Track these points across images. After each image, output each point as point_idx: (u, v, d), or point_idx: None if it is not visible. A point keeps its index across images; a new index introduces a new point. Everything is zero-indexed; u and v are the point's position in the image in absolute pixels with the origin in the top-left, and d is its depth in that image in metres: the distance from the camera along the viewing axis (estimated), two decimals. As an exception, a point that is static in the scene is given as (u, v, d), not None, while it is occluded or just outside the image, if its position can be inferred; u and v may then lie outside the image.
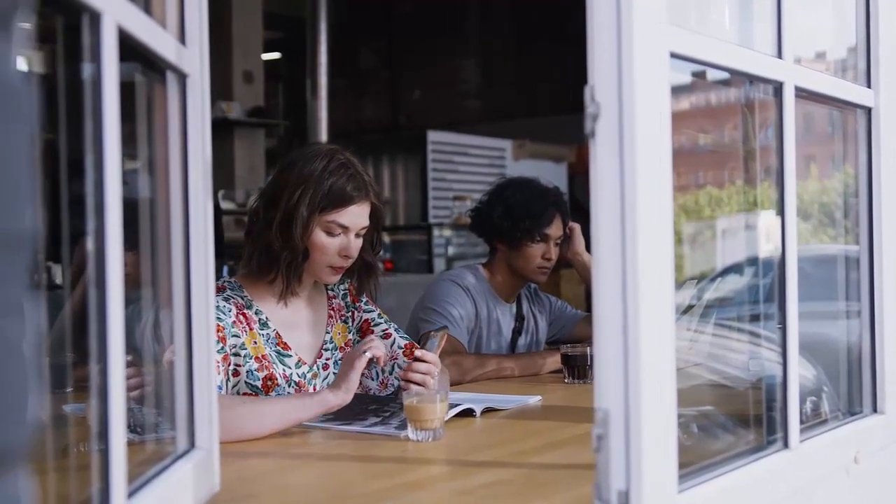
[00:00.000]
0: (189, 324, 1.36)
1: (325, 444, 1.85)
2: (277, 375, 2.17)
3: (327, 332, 2.33)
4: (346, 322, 2.37)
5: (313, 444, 1.86)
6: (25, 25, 0.58)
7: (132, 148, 1.27)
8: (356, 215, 2.19)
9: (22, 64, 0.57)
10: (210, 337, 1.39)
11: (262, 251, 2.18)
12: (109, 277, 1.00)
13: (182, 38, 1.33)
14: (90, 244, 0.99)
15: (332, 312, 2.36)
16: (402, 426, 1.90)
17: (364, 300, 2.41)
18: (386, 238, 7.60)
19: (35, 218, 0.58)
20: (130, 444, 1.08)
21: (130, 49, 1.10)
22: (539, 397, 2.36)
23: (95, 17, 0.98)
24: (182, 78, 1.33)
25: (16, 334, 0.55)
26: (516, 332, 3.11)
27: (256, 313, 2.20)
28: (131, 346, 1.08)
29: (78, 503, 1.11)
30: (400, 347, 2.33)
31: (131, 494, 1.09)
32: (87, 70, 1.01)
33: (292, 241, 2.14)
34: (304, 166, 2.17)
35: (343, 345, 2.34)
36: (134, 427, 1.32)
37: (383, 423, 1.98)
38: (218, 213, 4.09)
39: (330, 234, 2.18)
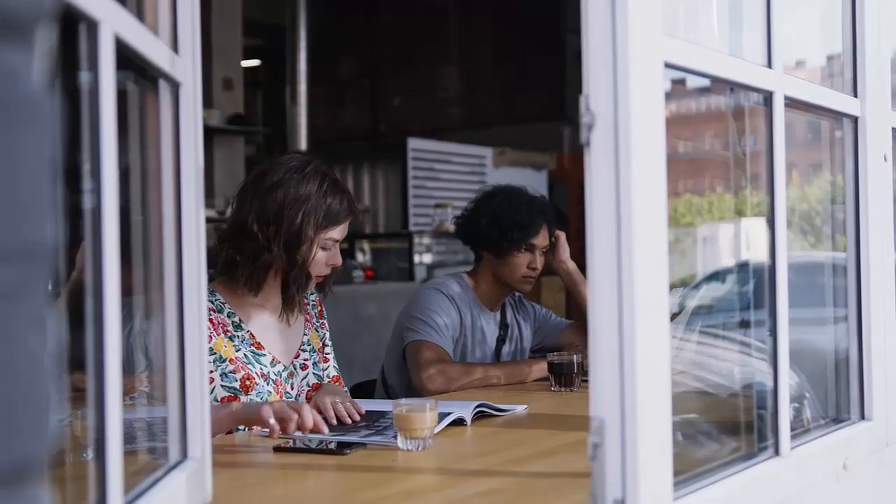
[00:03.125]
0: (181, 334, 1.35)
1: (316, 455, 1.84)
2: (254, 374, 2.22)
3: (305, 334, 2.40)
4: (317, 331, 2.46)
5: (305, 454, 1.85)
6: (47, 36, 0.58)
7: (124, 156, 1.26)
8: (345, 228, 2.31)
9: (44, 74, 0.57)
10: (203, 347, 1.38)
11: (262, 270, 2.23)
12: (106, 286, 0.99)
13: (175, 46, 1.33)
14: (87, 253, 0.99)
15: (308, 317, 2.44)
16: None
17: (322, 320, 2.50)
18: (366, 246, 7.58)
19: (55, 230, 0.58)
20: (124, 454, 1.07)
21: (124, 57, 1.09)
22: (525, 406, 2.36)
23: (93, 26, 0.97)
24: (175, 86, 1.32)
25: (38, 346, 0.55)
26: (501, 341, 3.11)
27: (229, 316, 2.25)
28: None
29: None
30: (329, 377, 2.41)
31: (126, 506, 1.08)
32: (82, 78, 1.01)
33: (298, 262, 2.22)
34: (298, 187, 2.22)
35: (317, 349, 2.43)
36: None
37: (379, 434, 1.97)
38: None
39: (324, 249, 2.27)
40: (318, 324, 2.47)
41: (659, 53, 1.20)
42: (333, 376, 2.43)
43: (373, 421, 2.11)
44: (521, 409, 2.34)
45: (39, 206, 0.55)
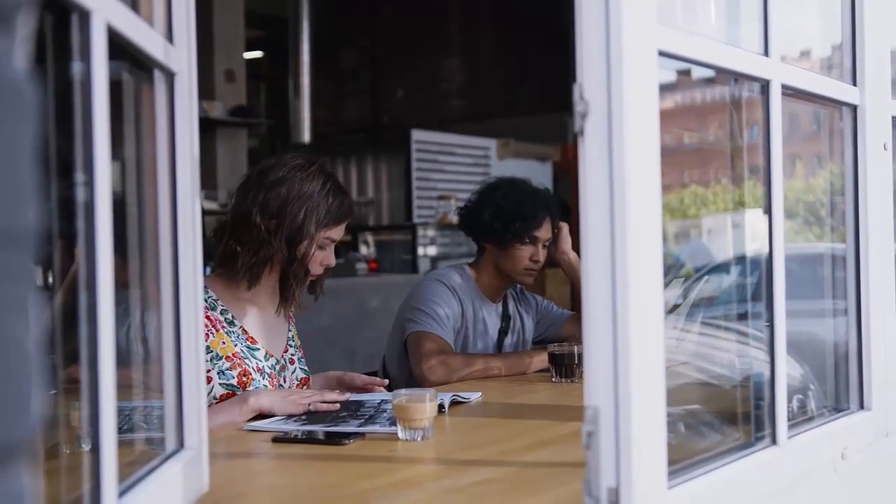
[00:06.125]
0: (177, 325, 1.35)
1: (314, 446, 1.84)
2: (251, 370, 2.25)
3: (290, 330, 2.45)
4: (296, 328, 2.51)
5: (303, 445, 1.86)
6: (28, 22, 0.58)
7: (118, 148, 1.26)
8: (343, 229, 2.35)
9: (25, 61, 0.57)
10: (199, 338, 1.38)
11: (261, 262, 2.26)
12: (99, 278, 0.99)
13: (170, 36, 1.33)
14: (80, 246, 0.99)
15: (291, 315, 2.47)
16: (394, 422, 1.89)
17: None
18: (370, 238, 7.59)
19: (38, 216, 0.58)
20: (119, 444, 1.07)
21: (118, 47, 1.09)
22: (479, 394, 2.37)
23: (85, 16, 0.97)
24: (170, 77, 1.32)
25: (21, 331, 0.55)
26: (503, 332, 3.11)
27: (222, 313, 2.28)
28: (117, 348, 1.08)
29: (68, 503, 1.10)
30: (297, 379, 2.42)
31: (121, 494, 1.08)
32: (75, 68, 1.01)
33: (298, 257, 2.25)
34: (302, 185, 2.26)
35: (298, 346, 2.48)
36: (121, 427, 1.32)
37: (372, 423, 1.97)
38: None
39: (321, 247, 2.30)
40: (295, 322, 2.51)
41: (653, 42, 1.20)
42: (302, 377, 2.44)
43: (354, 411, 2.11)
44: (475, 396, 2.36)
45: (21, 192, 0.55)
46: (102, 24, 1.00)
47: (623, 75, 1.14)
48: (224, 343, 2.23)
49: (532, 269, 3.01)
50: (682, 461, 1.31)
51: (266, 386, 2.25)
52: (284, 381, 2.35)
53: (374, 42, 10.07)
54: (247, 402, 2.07)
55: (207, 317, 2.22)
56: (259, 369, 2.26)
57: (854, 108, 1.80)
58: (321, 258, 2.31)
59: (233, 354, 2.23)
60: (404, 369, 2.90)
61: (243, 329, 2.29)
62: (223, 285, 2.30)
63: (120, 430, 1.11)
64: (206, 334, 2.19)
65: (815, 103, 1.83)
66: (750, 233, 1.98)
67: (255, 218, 2.23)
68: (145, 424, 1.45)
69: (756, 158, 1.60)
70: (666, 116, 1.28)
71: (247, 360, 2.24)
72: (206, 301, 2.25)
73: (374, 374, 3.13)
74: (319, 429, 1.94)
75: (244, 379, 2.22)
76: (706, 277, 2.48)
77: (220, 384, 2.19)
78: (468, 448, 1.85)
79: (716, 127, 1.99)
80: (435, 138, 8.15)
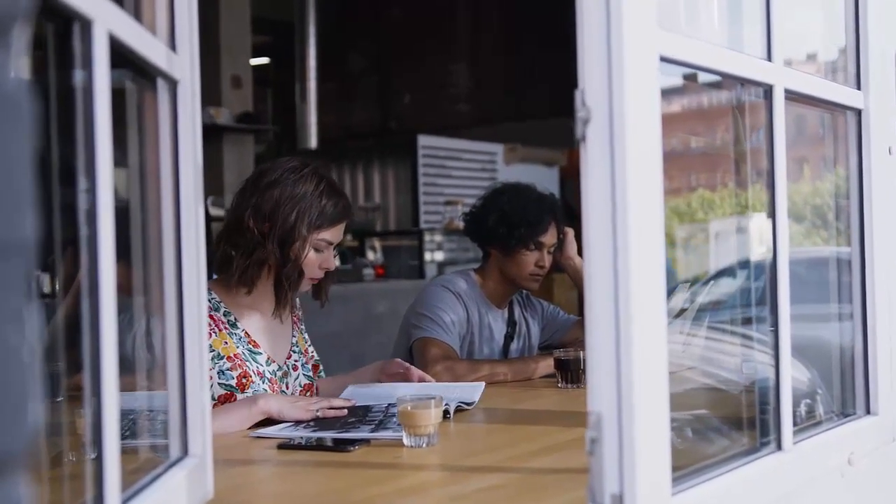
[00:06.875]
0: (181, 332, 1.36)
1: (319, 452, 1.84)
2: (251, 372, 2.25)
3: (293, 336, 2.44)
4: (303, 333, 2.50)
5: (308, 452, 1.86)
6: (24, 34, 0.59)
7: (122, 155, 1.27)
8: (341, 231, 2.34)
9: (21, 72, 0.57)
10: (202, 345, 1.39)
11: (255, 265, 2.26)
12: (102, 286, 1.00)
13: (172, 44, 1.33)
14: (83, 253, 0.99)
15: (295, 320, 2.47)
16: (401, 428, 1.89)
17: (302, 324, 2.52)
18: (377, 243, 7.58)
19: (35, 226, 0.58)
20: (123, 451, 1.07)
21: (120, 55, 1.10)
22: (482, 385, 2.38)
23: (86, 25, 0.98)
24: (172, 84, 1.33)
25: (16, 341, 0.55)
26: (508, 338, 3.11)
27: (225, 315, 2.28)
28: (123, 355, 1.08)
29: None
30: (300, 385, 2.41)
31: (125, 502, 1.08)
32: (77, 77, 1.01)
33: (291, 259, 2.24)
34: (294, 186, 2.26)
35: (303, 351, 2.46)
36: (125, 433, 1.32)
37: (382, 428, 1.97)
38: (207, 219, 4.16)
39: (317, 250, 2.29)
40: (302, 327, 2.51)
41: (654, 47, 1.20)
42: (305, 384, 2.44)
43: (362, 416, 2.11)
44: (479, 386, 2.37)
45: (18, 203, 0.55)
46: (104, 32, 1.01)
47: (624, 81, 1.14)
48: (226, 343, 2.24)
49: (537, 275, 3.01)
50: (686, 467, 1.31)
51: (265, 390, 2.25)
52: (287, 388, 2.34)
53: (380, 46, 10.07)
54: (256, 404, 2.07)
55: (210, 316, 2.22)
56: (259, 373, 2.26)
57: (858, 113, 1.80)
58: (319, 261, 2.30)
59: (234, 355, 2.23)
60: (410, 375, 2.90)
61: (246, 332, 2.29)
62: (224, 290, 2.30)
63: (123, 437, 1.12)
64: (209, 333, 2.19)
65: (818, 107, 1.83)
66: (756, 236, 1.98)
67: (248, 221, 2.24)
68: (150, 430, 1.45)
69: (762, 162, 1.60)
70: (673, 120, 1.28)
71: (247, 363, 2.25)
72: (209, 302, 2.25)
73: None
74: (329, 435, 1.94)
75: (244, 381, 2.22)
76: (713, 282, 2.47)
77: (219, 384, 2.20)
78: (473, 454, 1.85)
79: (723, 131, 1.99)
80: (442, 143, 8.14)
